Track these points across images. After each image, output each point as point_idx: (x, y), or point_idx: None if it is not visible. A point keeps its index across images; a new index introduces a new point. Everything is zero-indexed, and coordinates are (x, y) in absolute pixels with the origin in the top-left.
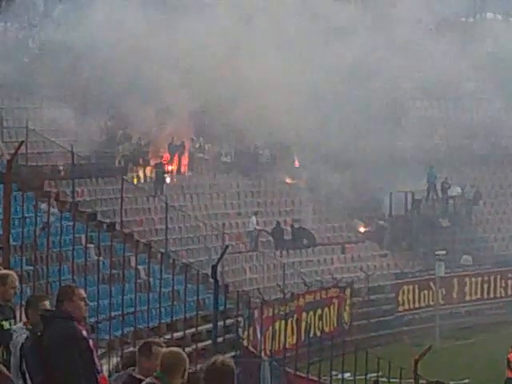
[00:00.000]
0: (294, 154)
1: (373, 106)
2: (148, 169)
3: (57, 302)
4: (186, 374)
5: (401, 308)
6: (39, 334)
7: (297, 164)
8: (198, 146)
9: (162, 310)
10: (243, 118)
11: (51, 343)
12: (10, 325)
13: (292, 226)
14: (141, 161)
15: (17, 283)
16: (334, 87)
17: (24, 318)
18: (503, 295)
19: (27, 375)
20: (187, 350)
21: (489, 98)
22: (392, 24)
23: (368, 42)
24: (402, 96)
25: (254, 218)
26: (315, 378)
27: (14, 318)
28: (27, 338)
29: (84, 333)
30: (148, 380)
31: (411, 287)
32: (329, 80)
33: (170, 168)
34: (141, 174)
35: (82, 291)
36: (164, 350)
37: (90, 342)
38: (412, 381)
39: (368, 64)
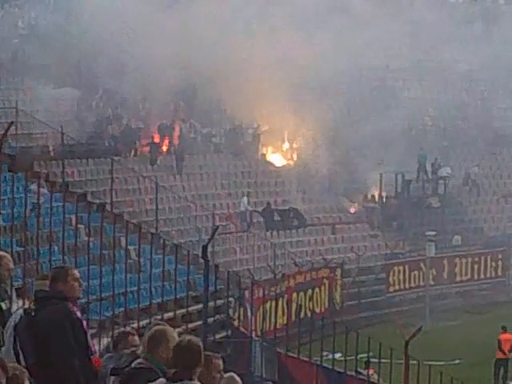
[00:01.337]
0: (284, 135)
1: (363, 86)
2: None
3: (51, 283)
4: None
5: (391, 289)
6: (33, 314)
7: (287, 145)
8: (188, 126)
9: (153, 290)
10: (232, 98)
11: (45, 324)
12: (6, 306)
13: (283, 208)
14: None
15: (11, 265)
16: (323, 67)
17: (15, 299)
18: (493, 276)
19: (21, 356)
20: (178, 330)
21: (479, 78)
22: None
23: (359, 23)
24: (392, 77)
25: (245, 199)
26: (306, 359)
27: (9, 298)
28: (21, 318)
29: (78, 313)
30: (138, 361)
31: (401, 268)
32: (319, 60)
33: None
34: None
35: (76, 272)
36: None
37: (84, 323)
38: (402, 361)
39: (358, 45)
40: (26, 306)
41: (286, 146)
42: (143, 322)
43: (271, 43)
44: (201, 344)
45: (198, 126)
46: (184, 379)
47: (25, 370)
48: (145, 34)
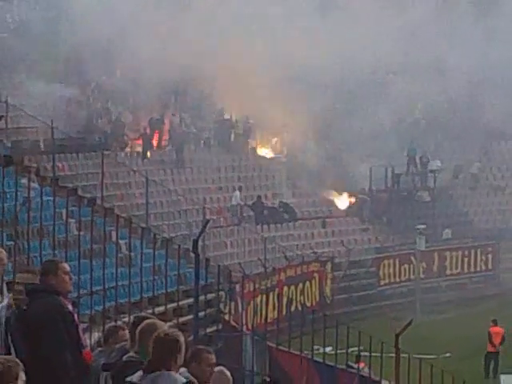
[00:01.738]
0: (274, 129)
1: (353, 80)
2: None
3: (41, 277)
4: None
5: (382, 282)
6: (24, 308)
7: (277, 139)
8: (178, 120)
9: (144, 284)
10: (222, 92)
11: (36, 317)
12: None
13: (273, 202)
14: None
15: (6, 260)
16: (313, 61)
17: (6, 293)
18: (483, 269)
19: (12, 349)
20: (169, 324)
21: (469, 72)
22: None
23: (349, 17)
24: (382, 70)
25: (237, 193)
26: (297, 352)
27: (1, 293)
28: (12, 312)
29: (69, 307)
30: (128, 354)
31: (392, 261)
32: (309, 54)
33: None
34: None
35: (66, 265)
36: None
37: (75, 317)
38: (393, 354)
39: (348, 39)
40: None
41: (276, 139)
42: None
43: (261, 38)
44: (180, 337)
45: (188, 120)
46: (160, 369)
47: (20, 362)
48: (135, 29)
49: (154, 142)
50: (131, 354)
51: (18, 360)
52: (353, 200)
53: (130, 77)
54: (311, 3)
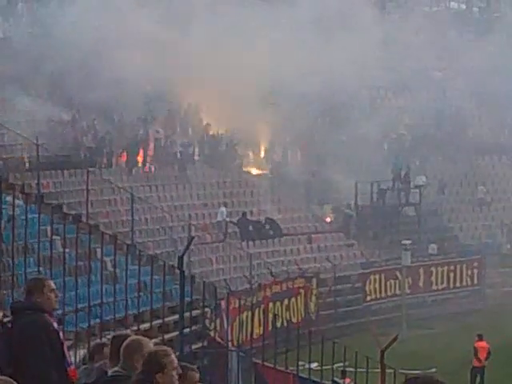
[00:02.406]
0: (259, 144)
1: (339, 95)
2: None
3: (26, 294)
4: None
5: (368, 298)
6: (9, 326)
7: (262, 154)
8: (162, 136)
9: (129, 301)
10: (207, 107)
11: (22, 335)
12: None
13: (259, 218)
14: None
15: None
16: (298, 76)
17: None
18: (469, 284)
19: None
20: (154, 341)
21: (454, 86)
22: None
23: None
24: (368, 85)
25: (223, 209)
26: (282, 369)
27: None
28: None
29: (54, 325)
30: (114, 369)
31: (378, 277)
32: (293, 69)
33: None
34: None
35: (52, 283)
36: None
37: (61, 334)
38: (379, 370)
39: (335, 54)
40: None
41: (262, 155)
42: None
43: (246, 51)
44: (146, 345)
45: (173, 136)
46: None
47: (14, 381)
48: (120, 45)
49: (139, 159)
50: (116, 368)
51: (12, 380)
52: (337, 215)
53: (115, 93)
54: (298, 18)
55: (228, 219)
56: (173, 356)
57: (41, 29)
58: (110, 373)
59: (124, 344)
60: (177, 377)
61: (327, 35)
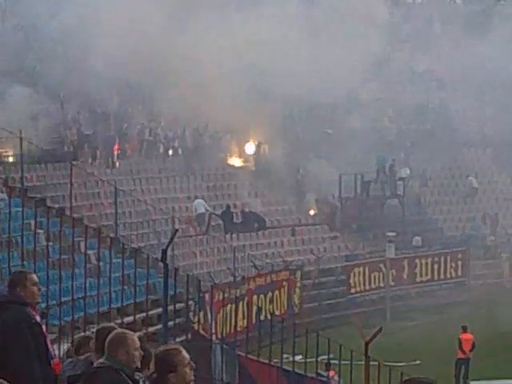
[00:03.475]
0: (244, 137)
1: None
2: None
3: (9, 288)
4: (132, 352)
5: (352, 290)
6: None
7: (246, 147)
8: (148, 129)
9: (113, 294)
10: (191, 100)
11: (5, 328)
12: None
13: (242, 211)
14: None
15: None
16: (283, 70)
17: None
18: (453, 276)
19: None
20: (138, 334)
21: (438, 79)
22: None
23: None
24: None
25: (200, 201)
26: (266, 361)
27: None
28: None
29: (37, 318)
30: (99, 361)
31: (362, 269)
32: (278, 63)
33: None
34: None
35: (35, 276)
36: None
37: (43, 327)
38: (363, 362)
39: (318, 47)
40: None
41: (246, 148)
42: None
43: (229, 45)
44: (130, 338)
45: (157, 128)
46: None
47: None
48: (102, 37)
49: (115, 151)
50: (101, 360)
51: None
52: (321, 208)
53: (97, 85)
54: (283, 14)
55: (210, 210)
56: (184, 353)
57: (25, 21)
58: (95, 364)
59: (109, 337)
60: (191, 372)
61: (314, 31)
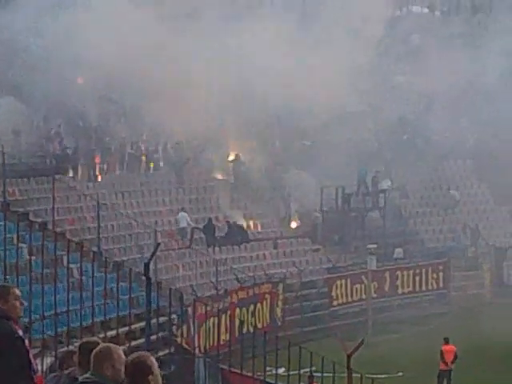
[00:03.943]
0: (224, 150)
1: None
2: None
3: None
4: (117, 366)
5: (334, 302)
6: None
7: (227, 160)
8: (129, 143)
9: (96, 308)
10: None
11: None
12: None
13: (227, 222)
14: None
15: None
16: (263, 79)
17: None
18: (435, 287)
19: None
20: (121, 347)
21: (418, 91)
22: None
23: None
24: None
25: (185, 214)
26: (249, 374)
27: None
28: None
29: (20, 332)
30: (85, 375)
31: (344, 281)
32: (259, 72)
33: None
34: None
35: (17, 290)
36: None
37: (26, 342)
38: (345, 375)
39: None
40: None
41: (227, 161)
42: None
43: (211, 59)
44: (116, 352)
45: (138, 142)
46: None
47: None
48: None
49: (105, 166)
50: (87, 375)
51: None
52: (303, 220)
53: (79, 98)
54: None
55: (193, 224)
56: (151, 356)
57: (5, 35)
58: (80, 379)
59: (94, 351)
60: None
61: (294, 42)
